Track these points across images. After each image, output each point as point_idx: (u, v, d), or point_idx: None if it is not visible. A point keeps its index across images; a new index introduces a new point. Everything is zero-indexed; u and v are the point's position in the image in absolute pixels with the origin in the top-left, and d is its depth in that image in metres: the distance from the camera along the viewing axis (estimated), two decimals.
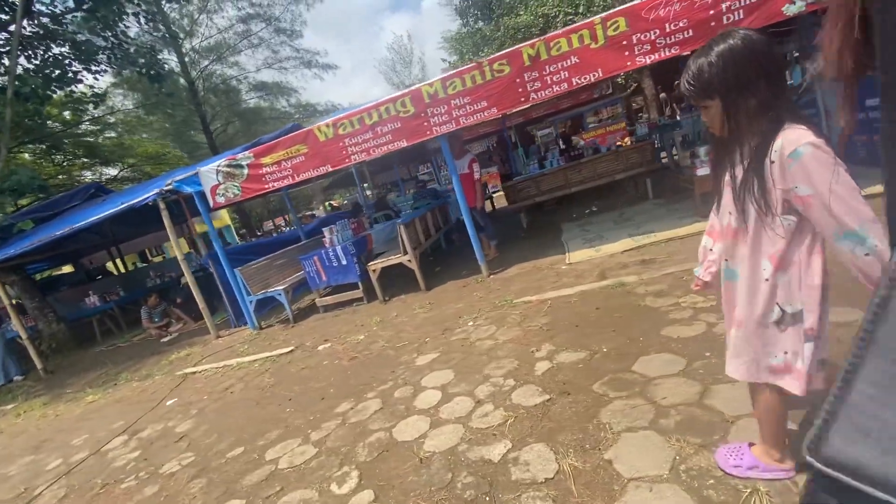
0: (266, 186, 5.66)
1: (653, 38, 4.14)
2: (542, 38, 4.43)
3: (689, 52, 4.24)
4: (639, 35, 4.17)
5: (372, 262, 5.71)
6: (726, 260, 1.44)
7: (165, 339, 7.87)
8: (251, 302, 6.32)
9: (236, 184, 5.71)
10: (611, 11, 4.28)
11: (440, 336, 3.74)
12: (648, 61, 4.25)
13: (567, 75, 4.43)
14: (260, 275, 6.49)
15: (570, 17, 15.39)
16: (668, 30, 4.10)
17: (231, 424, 3.31)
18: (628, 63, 4.28)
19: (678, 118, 8.71)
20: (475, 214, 6.34)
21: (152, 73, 12.03)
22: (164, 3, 11.48)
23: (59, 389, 6.18)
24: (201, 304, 6.61)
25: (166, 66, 13.04)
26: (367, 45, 68.87)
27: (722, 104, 1.22)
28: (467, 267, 6.00)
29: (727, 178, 1.35)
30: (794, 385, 1.34)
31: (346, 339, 4.58)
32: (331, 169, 5.41)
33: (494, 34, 19.19)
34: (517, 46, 4.53)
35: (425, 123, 4.92)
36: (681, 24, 4.06)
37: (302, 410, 3.15)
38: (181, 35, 13.69)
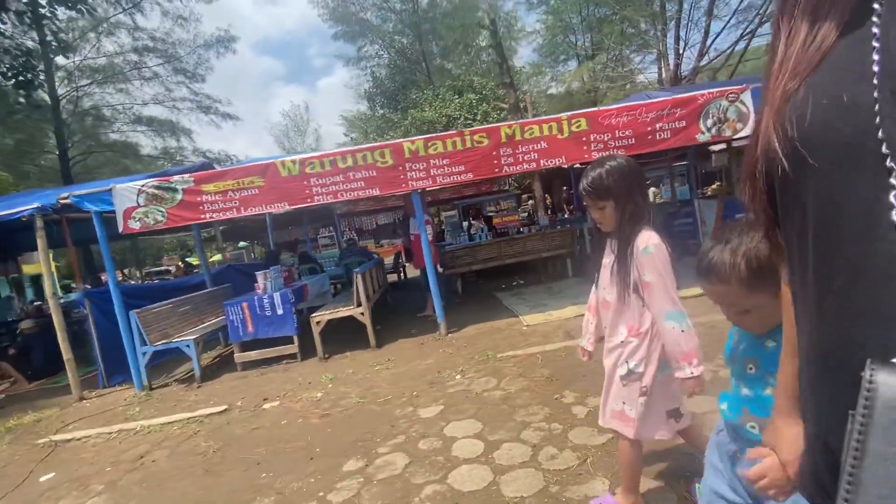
0: (201, 217, 4.94)
1: (606, 139, 5.01)
2: (518, 121, 5.03)
3: (629, 154, 5.21)
4: (595, 135, 5.00)
5: (315, 314, 5.19)
6: (605, 327, 1.75)
7: None
8: (144, 354, 5.11)
9: (162, 209, 4.87)
10: (575, 112, 5.10)
11: (430, 389, 3.50)
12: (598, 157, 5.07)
13: (536, 157, 5.02)
14: (159, 322, 5.36)
15: (469, 120, 17.58)
16: (617, 135, 5.01)
17: (179, 499, 2.52)
18: (585, 156, 5.04)
19: (578, 215, 10.24)
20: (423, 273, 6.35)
21: (21, 77, 10.02)
22: (57, 7, 9.95)
23: None
24: (67, 356, 5.11)
25: (41, 74, 11.01)
26: (255, 106, 67.73)
27: (615, 206, 1.56)
28: (413, 325, 5.83)
29: (605, 262, 1.70)
30: (627, 430, 1.65)
31: (296, 396, 3.96)
32: (287, 207, 5.01)
33: (402, 122, 20.74)
34: (497, 125, 5.05)
35: (402, 176, 4.98)
36: (627, 133, 5.01)
37: (287, 474, 2.57)
38: (62, 46, 11.77)
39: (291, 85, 77.81)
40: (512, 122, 5.01)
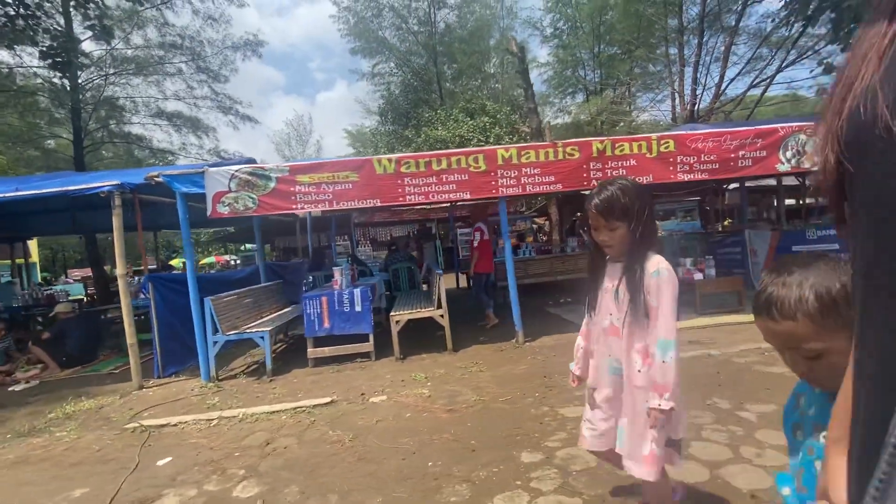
0: (293, 206, 4.88)
1: (692, 161, 5.17)
2: (609, 137, 5.16)
3: (713, 178, 5.39)
4: (682, 157, 5.16)
5: (395, 313, 5.12)
6: (609, 355, 1.65)
7: (17, 388, 5.42)
8: (216, 343, 4.94)
9: (253, 195, 4.80)
10: (663, 133, 5.27)
11: (551, 392, 3.46)
12: (686, 178, 5.22)
13: (624, 173, 5.13)
14: (228, 311, 5.21)
15: (482, 142, 17.92)
16: (702, 159, 5.18)
17: (348, 483, 2.41)
18: (671, 176, 5.19)
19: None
20: (482, 280, 6.36)
21: (60, 59, 9.87)
22: None
23: None
24: (131, 340, 4.91)
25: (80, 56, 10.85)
26: (250, 112, 67.99)
27: (628, 228, 1.50)
28: (477, 333, 5.78)
29: (606, 286, 1.63)
30: (652, 473, 1.51)
31: (398, 392, 3.86)
32: (379, 203, 4.99)
33: (415, 139, 21.03)
34: (589, 139, 5.16)
35: (493, 182, 5.03)
36: (712, 157, 5.18)
37: (457, 463, 2.50)
38: (106, 30, 11.65)
39: (290, 95, 78.20)
40: (603, 138, 5.14)
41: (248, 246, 23.99)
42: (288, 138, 37.98)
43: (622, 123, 22.75)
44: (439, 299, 5.12)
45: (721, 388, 3.26)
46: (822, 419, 0.81)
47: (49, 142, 17.08)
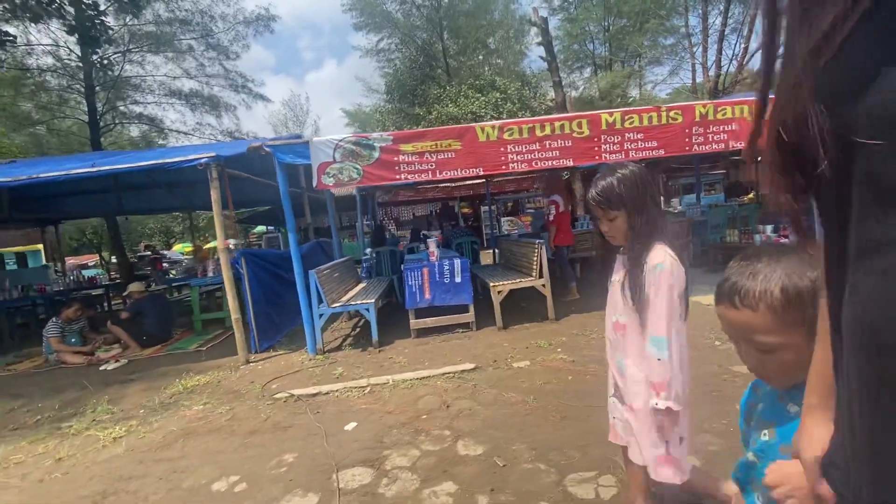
0: (397, 177, 4.79)
1: None
2: (712, 101, 5.08)
3: None
4: None
5: (497, 283, 5.10)
6: (619, 353, 1.56)
7: (109, 367, 5.36)
8: (321, 316, 4.90)
9: (358, 166, 4.70)
10: None
11: (712, 352, 3.49)
12: None
13: (725, 137, 5.09)
14: (327, 284, 5.16)
15: (494, 118, 17.71)
16: None
17: (583, 440, 2.42)
18: None
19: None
20: (563, 253, 6.33)
21: (90, 33, 9.46)
22: None
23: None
24: (235, 315, 4.85)
25: (111, 30, 10.41)
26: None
27: (627, 216, 1.42)
28: (571, 306, 5.78)
29: (615, 279, 1.55)
30: (678, 475, 1.43)
31: (534, 357, 3.87)
32: (482, 172, 4.91)
33: (426, 116, 20.75)
34: (691, 103, 5.08)
35: (596, 148, 4.96)
36: None
37: None
38: (134, 2, 11.11)
39: (279, 75, 76.12)
40: (706, 102, 5.06)
41: (261, 228, 23.68)
42: (285, 119, 37.19)
43: (635, 97, 22.56)
44: (540, 269, 5.09)
45: None
46: (767, 416, 0.85)
47: (67, 122, 16.57)
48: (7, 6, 8.48)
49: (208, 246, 15.55)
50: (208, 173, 4.76)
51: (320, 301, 4.87)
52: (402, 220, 18.12)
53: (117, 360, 5.54)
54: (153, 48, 15.49)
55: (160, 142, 18.18)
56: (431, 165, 4.80)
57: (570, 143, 4.92)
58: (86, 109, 15.42)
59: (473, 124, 4.90)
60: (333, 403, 3.35)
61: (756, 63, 0.56)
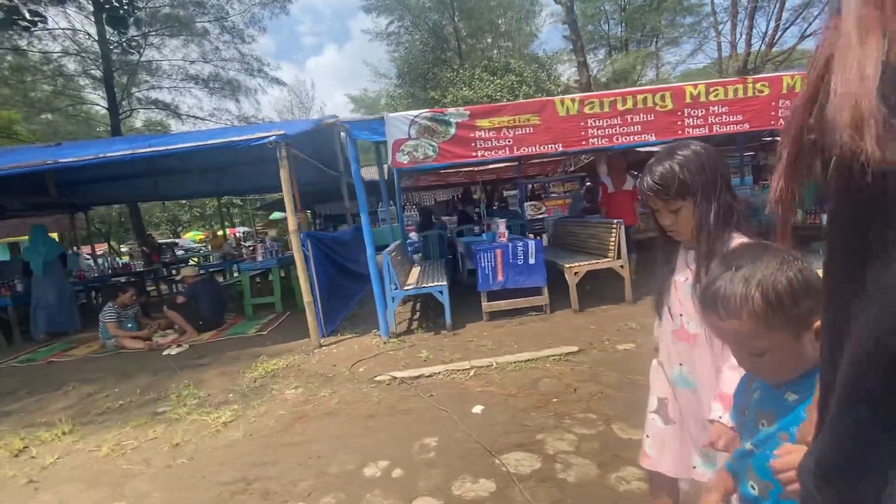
0: (472, 154, 4.61)
1: None
2: (800, 73, 4.85)
3: None
4: None
5: (573, 265, 4.94)
6: (681, 364, 1.33)
7: (172, 352, 5.26)
8: (394, 299, 4.77)
9: (433, 143, 4.51)
10: None
11: None
12: None
13: None
14: (395, 267, 5.01)
15: (510, 100, 17.39)
16: None
17: None
18: None
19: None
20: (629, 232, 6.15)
21: (121, 12, 9.17)
22: None
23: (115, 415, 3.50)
24: (308, 298, 4.72)
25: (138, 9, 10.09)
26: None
27: (694, 206, 1.18)
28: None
29: (678, 280, 1.30)
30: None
31: (633, 340, 3.74)
32: (560, 149, 4.72)
33: (441, 99, 20.48)
34: (778, 73, 4.85)
35: (679, 122, 4.75)
36: None
37: None
38: None
39: (280, 60, 74.99)
40: (793, 72, 4.84)
41: (277, 214, 23.48)
42: (290, 105, 36.72)
43: (653, 77, 22.10)
44: (619, 249, 4.93)
45: None
46: (765, 405, 0.85)
47: (85, 108, 16.35)
48: None
49: (187, 235, 15.42)
50: (277, 152, 4.59)
51: (394, 285, 4.73)
52: (424, 206, 17.93)
53: (178, 346, 5.44)
54: (174, 31, 15.14)
55: (181, 127, 17.96)
56: (509, 142, 4.61)
57: (652, 118, 4.72)
58: (104, 95, 15.19)
59: (553, 98, 4.69)
60: (442, 386, 3.23)
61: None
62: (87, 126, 16.65)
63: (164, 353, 5.28)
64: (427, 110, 4.54)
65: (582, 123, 4.65)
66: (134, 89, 17.37)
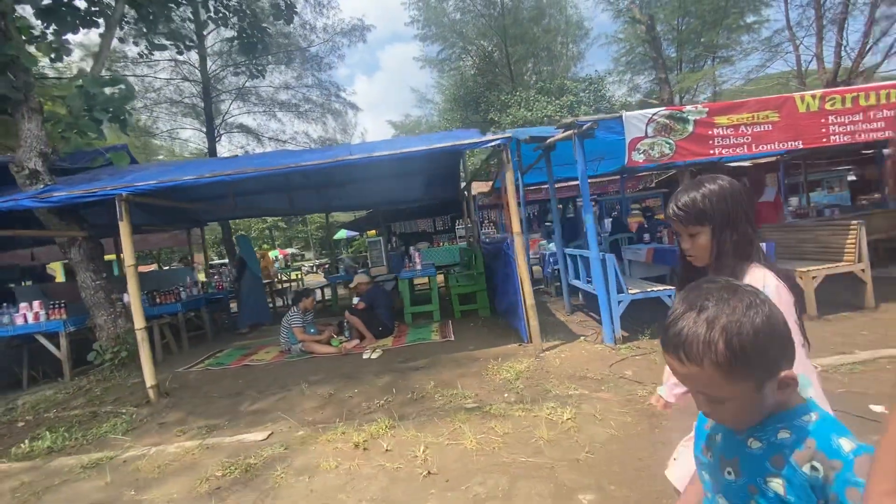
0: (710, 151, 4.46)
1: None
2: None
3: None
4: None
5: (811, 269, 4.66)
6: None
7: (374, 356, 5.19)
8: (620, 303, 4.59)
9: (670, 140, 4.40)
10: None
11: None
12: None
13: None
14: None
15: (567, 119, 17.36)
16: None
17: None
18: None
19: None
20: None
21: (252, 40, 9.66)
22: None
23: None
24: (530, 301, 4.58)
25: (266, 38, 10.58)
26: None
27: (712, 232, 1.25)
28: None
29: None
30: None
31: None
32: (801, 146, 4.53)
33: (501, 121, 20.66)
34: None
35: None
36: None
37: None
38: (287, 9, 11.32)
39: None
40: None
41: (343, 233, 23.86)
42: (334, 131, 37.86)
43: (709, 95, 21.74)
44: (860, 252, 4.64)
45: None
46: (728, 451, 0.81)
47: (186, 132, 17.14)
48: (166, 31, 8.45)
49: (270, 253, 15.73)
50: (505, 154, 4.57)
51: (620, 288, 4.56)
52: (500, 223, 17.87)
53: (374, 351, 5.37)
54: (276, 59, 15.90)
55: (263, 150, 18.65)
56: (747, 139, 4.45)
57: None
58: (203, 119, 15.96)
59: (794, 94, 4.54)
60: None
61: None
62: (180, 148, 17.45)
63: (364, 356, 5.22)
64: (664, 108, 4.45)
65: (822, 120, 4.46)
66: (227, 115, 18.25)
